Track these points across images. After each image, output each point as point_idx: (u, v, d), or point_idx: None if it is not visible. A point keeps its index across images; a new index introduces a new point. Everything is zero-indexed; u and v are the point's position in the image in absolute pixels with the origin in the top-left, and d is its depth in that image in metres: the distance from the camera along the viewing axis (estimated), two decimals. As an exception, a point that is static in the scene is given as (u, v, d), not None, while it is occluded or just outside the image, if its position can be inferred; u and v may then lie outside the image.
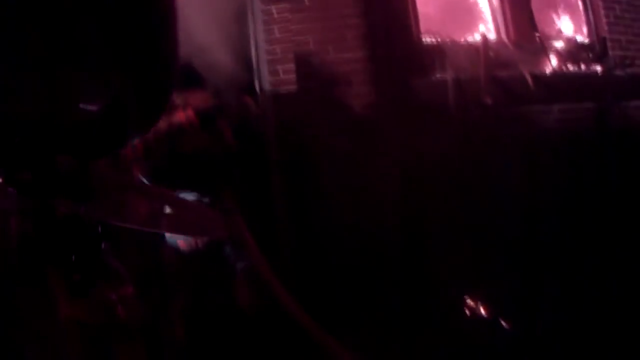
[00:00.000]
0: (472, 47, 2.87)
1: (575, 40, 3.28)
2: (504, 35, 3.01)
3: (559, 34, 3.31)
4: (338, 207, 2.63)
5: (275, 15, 2.86)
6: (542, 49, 3.02)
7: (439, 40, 2.96)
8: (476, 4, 3.16)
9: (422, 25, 2.98)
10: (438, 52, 2.89)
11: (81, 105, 0.90)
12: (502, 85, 2.78)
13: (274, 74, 2.84)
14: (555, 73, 3.00)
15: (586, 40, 3.29)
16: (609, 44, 3.18)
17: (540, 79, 2.91)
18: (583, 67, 3.14)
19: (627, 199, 2.86)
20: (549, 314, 2.59)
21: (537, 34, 3.04)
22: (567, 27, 3.38)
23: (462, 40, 2.95)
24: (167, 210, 1.29)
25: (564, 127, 2.92)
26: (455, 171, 2.65)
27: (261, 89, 2.85)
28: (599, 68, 3.10)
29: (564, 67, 3.08)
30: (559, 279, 2.68)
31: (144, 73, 0.92)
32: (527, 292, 2.66)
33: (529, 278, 2.70)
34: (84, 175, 1.00)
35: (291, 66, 2.82)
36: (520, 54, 2.92)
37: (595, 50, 3.19)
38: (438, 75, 2.78)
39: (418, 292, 2.59)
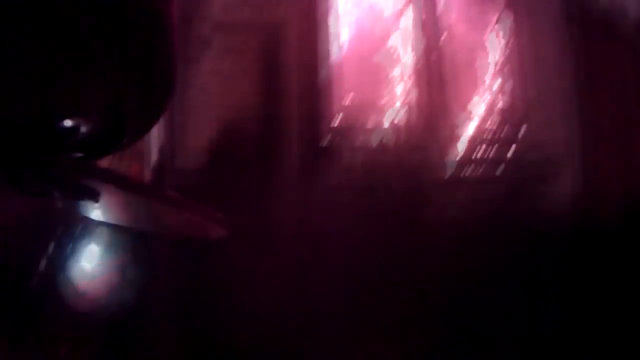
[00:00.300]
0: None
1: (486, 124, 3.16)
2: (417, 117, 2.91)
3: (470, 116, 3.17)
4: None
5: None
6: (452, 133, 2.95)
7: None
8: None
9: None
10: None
11: (81, 105, 0.90)
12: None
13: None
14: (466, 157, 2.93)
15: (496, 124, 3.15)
16: (523, 128, 3.08)
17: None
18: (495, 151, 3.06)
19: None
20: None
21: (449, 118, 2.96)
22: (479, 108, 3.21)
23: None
24: (167, 210, 1.29)
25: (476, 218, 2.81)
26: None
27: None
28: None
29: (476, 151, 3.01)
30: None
31: (144, 72, 0.92)
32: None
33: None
34: (85, 175, 1.00)
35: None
36: (435, 136, 2.87)
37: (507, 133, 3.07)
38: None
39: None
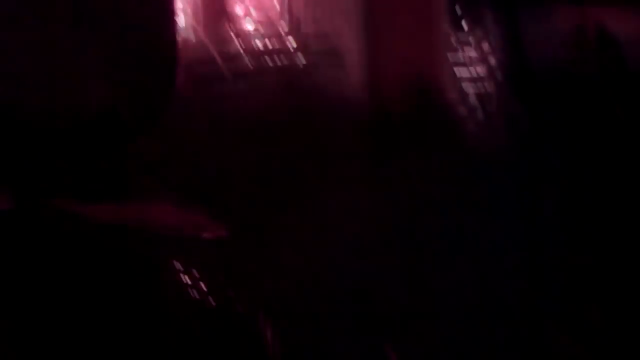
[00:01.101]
0: None
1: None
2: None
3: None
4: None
5: None
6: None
7: None
8: None
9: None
10: None
11: (81, 105, 0.90)
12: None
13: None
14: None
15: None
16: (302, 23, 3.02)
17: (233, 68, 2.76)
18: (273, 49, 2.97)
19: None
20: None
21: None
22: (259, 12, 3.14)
23: None
24: (167, 210, 1.29)
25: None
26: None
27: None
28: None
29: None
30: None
31: (145, 73, 0.93)
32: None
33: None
34: (86, 174, 1.00)
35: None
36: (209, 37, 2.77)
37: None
38: None
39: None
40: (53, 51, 0.80)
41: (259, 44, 2.95)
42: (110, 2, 0.81)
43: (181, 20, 2.73)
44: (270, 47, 2.94)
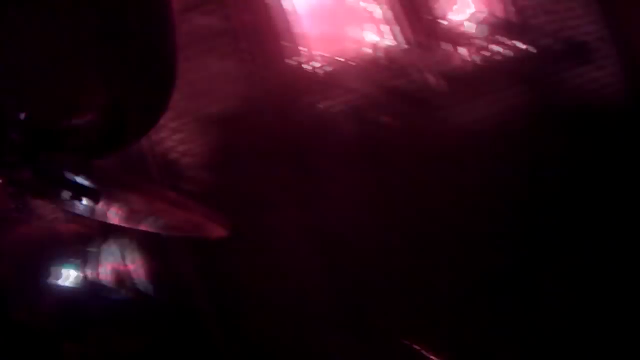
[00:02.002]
0: (361, 61, 2.43)
1: (488, 19, 2.76)
2: (400, 37, 2.52)
3: (468, 16, 2.79)
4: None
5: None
6: (450, 40, 2.55)
7: (322, 62, 2.50)
8: (364, 11, 2.68)
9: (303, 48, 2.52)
10: (323, 76, 2.42)
11: (81, 105, 0.90)
12: (404, 94, 2.33)
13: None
14: (471, 64, 2.53)
15: (500, 16, 2.74)
16: (529, 12, 2.67)
17: (454, 75, 2.44)
18: (502, 46, 2.64)
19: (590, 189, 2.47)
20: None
21: (440, 24, 2.59)
22: (476, 5, 2.84)
23: (349, 55, 2.49)
24: (167, 210, 1.29)
25: (496, 123, 2.47)
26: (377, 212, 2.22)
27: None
28: (521, 42, 2.62)
29: (481, 54, 2.60)
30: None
31: (145, 72, 0.93)
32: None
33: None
34: (85, 174, 1.00)
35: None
36: (423, 53, 2.46)
37: (513, 23, 2.68)
38: (321, 105, 2.32)
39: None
40: (53, 53, 0.80)
41: (485, 45, 2.62)
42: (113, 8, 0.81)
43: (390, 41, 2.53)
44: (498, 49, 2.60)
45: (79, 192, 0.99)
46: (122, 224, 1.34)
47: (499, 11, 2.74)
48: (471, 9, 2.83)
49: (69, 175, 0.95)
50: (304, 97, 2.37)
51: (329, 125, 2.32)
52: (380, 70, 2.38)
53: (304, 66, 2.45)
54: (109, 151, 1.08)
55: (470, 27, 2.68)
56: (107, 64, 0.85)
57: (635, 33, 2.74)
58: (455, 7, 2.77)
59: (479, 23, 2.70)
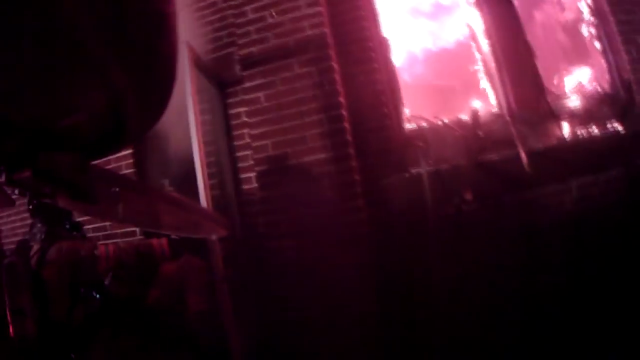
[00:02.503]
0: (459, 129, 2.41)
1: (592, 93, 2.69)
2: (504, 107, 2.48)
3: (571, 90, 2.77)
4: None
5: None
6: (551, 114, 2.47)
7: (422, 124, 2.52)
8: (472, 74, 2.70)
9: (407, 108, 2.59)
10: (421, 139, 2.43)
11: (81, 105, 0.90)
12: (495, 170, 2.26)
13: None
14: (569, 141, 2.44)
15: (606, 90, 2.68)
16: (634, 87, 2.57)
17: (550, 153, 2.36)
18: (604, 126, 2.52)
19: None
20: None
21: (545, 97, 2.51)
22: (581, 78, 2.84)
23: (449, 121, 2.49)
24: (167, 210, 1.29)
25: (588, 208, 2.34)
26: (447, 280, 2.18)
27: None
28: (623, 124, 2.49)
29: (581, 132, 2.50)
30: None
31: (144, 73, 0.92)
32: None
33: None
34: (85, 175, 1.00)
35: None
36: (522, 126, 2.39)
37: (619, 100, 2.59)
38: (414, 171, 2.32)
39: None
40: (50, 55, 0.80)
41: (588, 122, 2.49)
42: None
43: (491, 111, 2.52)
44: (602, 127, 2.46)
45: (77, 193, 0.99)
46: (123, 224, 1.34)
47: (606, 86, 2.69)
48: (578, 84, 2.82)
49: (68, 176, 0.95)
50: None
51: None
52: (476, 141, 2.37)
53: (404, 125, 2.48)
54: (109, 151, 1.08)
55: (575, 102, 2.62)
56: (107, 64, 0.85)
57: None
58: (564, 80, 2.79)
59: (585, 98, 2.64)
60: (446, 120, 2.45)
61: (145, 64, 0.91)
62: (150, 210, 1.29)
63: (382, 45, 2.62)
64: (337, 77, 2.44)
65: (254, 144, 2.48)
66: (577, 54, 3.10)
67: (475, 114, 2.42)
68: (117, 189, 1.14)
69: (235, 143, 2.65)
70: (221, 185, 2.61)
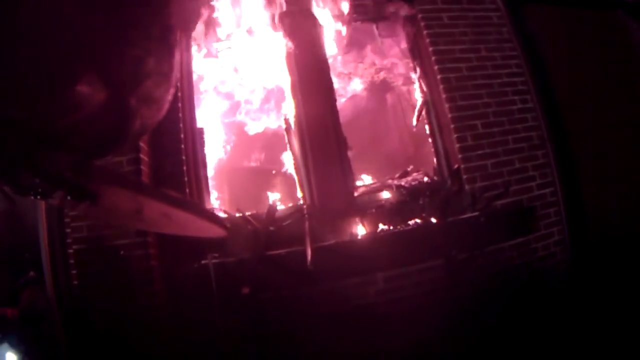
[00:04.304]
0: (255, 222, 2.40)
1: (417, 183, 2.68)
2: (308, 201, 2.48)
3: (392, 180, 2.78)
4: None
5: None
6: (356, 210, 2.47)
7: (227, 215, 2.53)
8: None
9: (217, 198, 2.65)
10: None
11: (81, 105, 0.90)
12: (278, 264, 2.24)
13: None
14: (368, 236, 2.39)
15: (432, 179, 2.72)
16: (464, 175, 2.54)
17: (354, 244, 2.31)
18: (421, 217, 2.49)
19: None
20: None
21: (352, 192, 2.52)
22: (412, 166, 2.94)
23: (249, 213, 2.49)
24: (167, 210, 1.29)
25: (394, 300, 2.28)
26: None
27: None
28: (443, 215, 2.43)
29: (390, 225, 2.48)
30: None
31: (145, 73, 0.92)
32: None
33: None
34: (85, 175, 1.00)
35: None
36: (319, 222, 2.38)
37: (444, 189, 2.59)
38: (203, 262, 2.29)
39: None
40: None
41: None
42: None
43: None
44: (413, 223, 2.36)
45: (77, 193, 0.99)
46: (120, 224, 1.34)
47: (433, 175, 2.74)
48: (404, 172, 2.88)
49: (68, 176, 0.95)
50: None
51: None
52: (267, 235, 2.41)
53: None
54: (109, 151, 1.08)
55: (392, 194, 2.60)
56: (107, 64, 0.85)
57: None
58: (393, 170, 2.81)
59: (405, 189, 2.63)
60: (247, 213, 2.45)
61: (145, 64, 0.91)
62: (151, 210, 1.29)
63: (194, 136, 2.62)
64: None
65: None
66: (415, 139, 3.22)
67: (271, 208, 2.43)
68: (118, 189, 1.14)
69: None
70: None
